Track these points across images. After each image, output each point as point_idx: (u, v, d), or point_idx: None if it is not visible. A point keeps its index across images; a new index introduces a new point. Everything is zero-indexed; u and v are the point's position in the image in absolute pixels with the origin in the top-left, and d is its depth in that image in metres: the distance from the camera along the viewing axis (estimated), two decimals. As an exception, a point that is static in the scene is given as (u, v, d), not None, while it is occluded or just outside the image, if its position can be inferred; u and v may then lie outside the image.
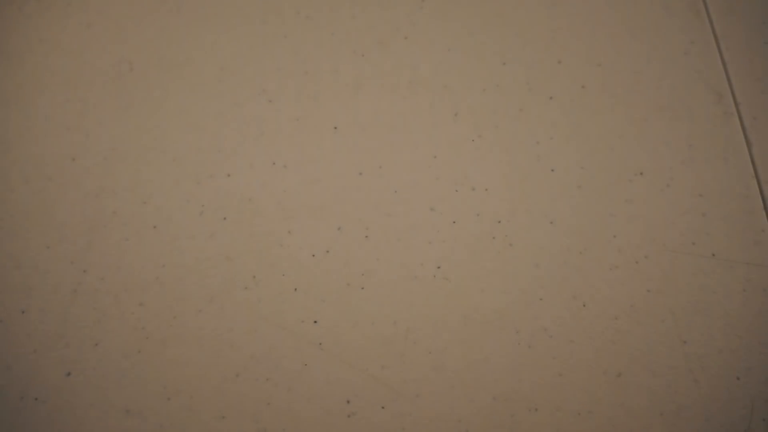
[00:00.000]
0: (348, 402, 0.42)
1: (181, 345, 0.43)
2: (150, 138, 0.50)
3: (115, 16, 0.55)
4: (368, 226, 0.46)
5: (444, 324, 0.43)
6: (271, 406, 0.42)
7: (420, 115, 0.50)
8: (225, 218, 0.47)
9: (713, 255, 0.45)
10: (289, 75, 0.52)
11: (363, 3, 0.55)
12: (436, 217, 0.47)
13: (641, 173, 0.48)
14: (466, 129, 0.50)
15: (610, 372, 0.42)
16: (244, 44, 0.53)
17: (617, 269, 0.45)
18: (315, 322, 0.44)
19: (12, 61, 0.53)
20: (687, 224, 0.46)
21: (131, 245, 0.46)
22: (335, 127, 0.50)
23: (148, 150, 0.49)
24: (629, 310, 0.43)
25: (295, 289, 0.45)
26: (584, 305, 0.44)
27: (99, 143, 0.50)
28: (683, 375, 0.42)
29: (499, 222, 0.46)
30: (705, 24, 0.53)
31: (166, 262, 0.45)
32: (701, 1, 0.54)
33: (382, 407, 0.42)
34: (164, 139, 0.50)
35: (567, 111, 0.50)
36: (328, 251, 0.46)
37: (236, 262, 0.45)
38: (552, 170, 0.48)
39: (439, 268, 0.45)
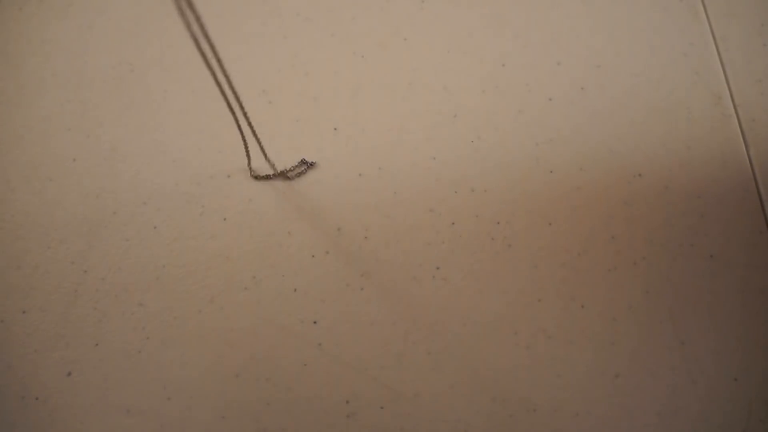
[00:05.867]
0: (347, 402, 0.42)
1: (181, 345, 0.43)
2: (150, 138, 0.50)
3: (116, 17, 0.55)
4: (367, 227, 0.46)
5: (443, 325, 0.43)
6: (271, 406, 0.42)
7: (419, 117, 0.50)
8: (225, 219, 0.47)
9: (711, 256, 0.45)
10: (289, 76, 0.52)
11: (363, 4, 0.55)
12: (435, 218, 0.47)
13: (640, 175, 0.48)
14: (466, 130, 0.50)
15: (609, 373, 0.42)
16: (244, 45, 0.53)
17: (616, 270, 0.45)
18: (314, 322, 0.44)
19: (13, 62, 0.53)
20: (685, 226, 0.46)
21: (131, 245, 0.46)
22: (335, 128, 0.50)
23: (148, 150, 0.49)
24: (627, 311, 0.44)
25: (295, 290, 0.45)
26: (583, 306, 0.44)
27: (99, 144, 0.50)
28: (681, 376, 0.42)
29: (498, 223, 0.46)
30: (704, 26, 0.53)
31: (166, 262, 0.46)
32: (700, 3, 0.54)
33: (382, 407, 0.42)
34: (164, 139, 0.50)
35: (566, 112, 0.50)
36: (327, 252, 0.46)
37: (236, 263, 0.46)
38: (551, 172, 0.48)
39: (438, 269, 0.45)
